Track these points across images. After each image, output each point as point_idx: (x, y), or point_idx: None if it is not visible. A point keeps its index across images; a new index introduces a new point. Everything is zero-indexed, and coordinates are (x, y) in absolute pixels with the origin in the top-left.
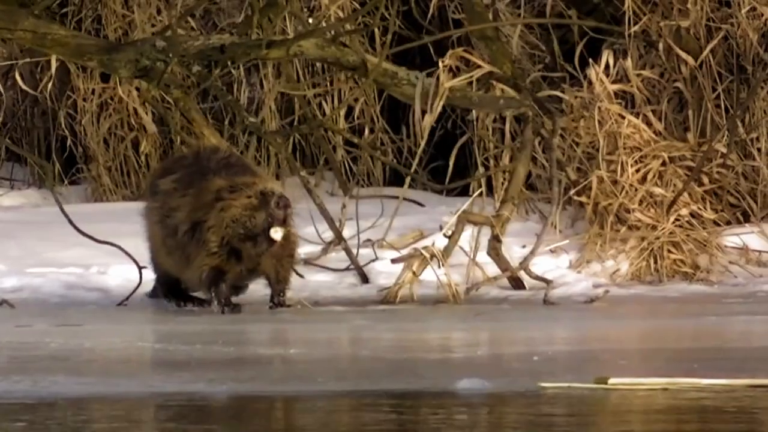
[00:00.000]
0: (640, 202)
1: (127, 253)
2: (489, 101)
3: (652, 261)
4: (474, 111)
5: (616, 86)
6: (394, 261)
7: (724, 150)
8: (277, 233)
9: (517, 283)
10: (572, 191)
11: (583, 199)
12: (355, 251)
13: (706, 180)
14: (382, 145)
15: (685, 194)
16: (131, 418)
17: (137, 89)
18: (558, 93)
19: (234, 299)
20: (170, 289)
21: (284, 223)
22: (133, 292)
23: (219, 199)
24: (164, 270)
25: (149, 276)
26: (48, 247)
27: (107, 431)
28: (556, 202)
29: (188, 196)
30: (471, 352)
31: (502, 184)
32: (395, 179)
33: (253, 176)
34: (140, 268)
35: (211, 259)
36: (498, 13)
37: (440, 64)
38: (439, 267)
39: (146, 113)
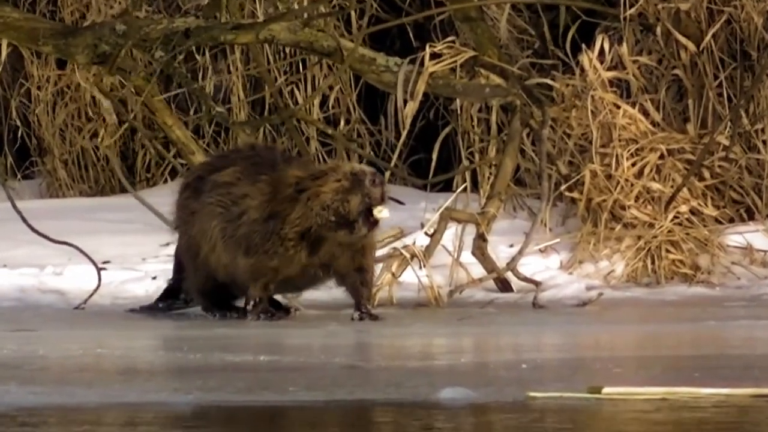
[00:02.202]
0: (637, 199)
1: (84, 254)
2: (474, 89)
3: (649, 261)
4: (458, 100)
5: (610, 73)
6: None
7: (727, 142)
8: (381, 212)
9: (504, 285)
10: (563, 186)
11: (575, 194)
12: None
13: (707, 174)
14: (358, 137)
15: (685, 190)
16: (88, 431)
17: (95, 75)
18: (548, 81)
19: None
20: (215, 299)
21: (382, 200)
22: (92, 294)
23: (302, 189)
24: (212, 273)
25: (108, 278)
26: None
27: None
28: (546, 198)
29: (261, 183)
30: (454, 359)
31: (488, 178)
32: None
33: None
34: (99, 269)
35: (281, 262)
36: None
37: (427, 48)
38: (420, 268)
39: (103, 101)
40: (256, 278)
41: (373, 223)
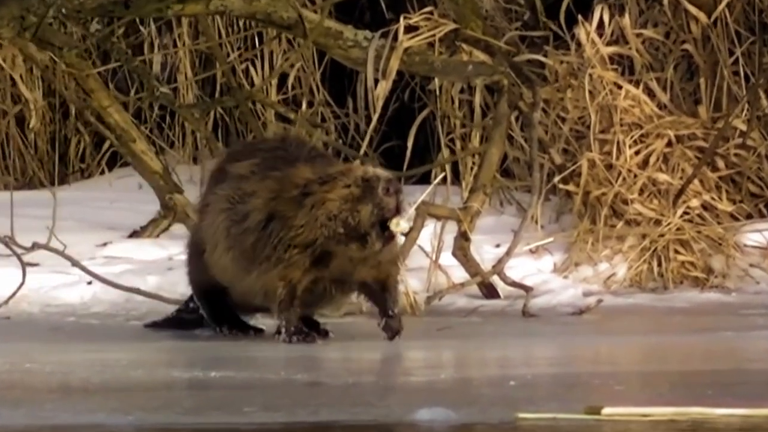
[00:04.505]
0: (641, 192)
1: (13, 251)
2: (455, 67)
3: (655, 263)
4: (436, 79)
5: (611, 49)
6: None
7: (744, 127)
8: (398, 225)
9: (489, 291)
10: (557, 178)
11: (571, 187)
12: None
13: (721, 164)
14: (323, 122)
15: (696, 182)
16: None
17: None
18: (540, 57)
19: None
20: (215, 309)
21: (398, 212)
22: (12, 295)
23: (307, 193)
24: (213, 278)
25: (37, 282)
26: None
27: None
28: (537, 191)
29: (269, 180)
30: (433, 375)
31: (471, 169)
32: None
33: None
34: (24, 268)
35: (288, 271)
36: None
37: (401, 20)
38: None
39: (32, 82)
40: (271, 297)
41: (389, 237)
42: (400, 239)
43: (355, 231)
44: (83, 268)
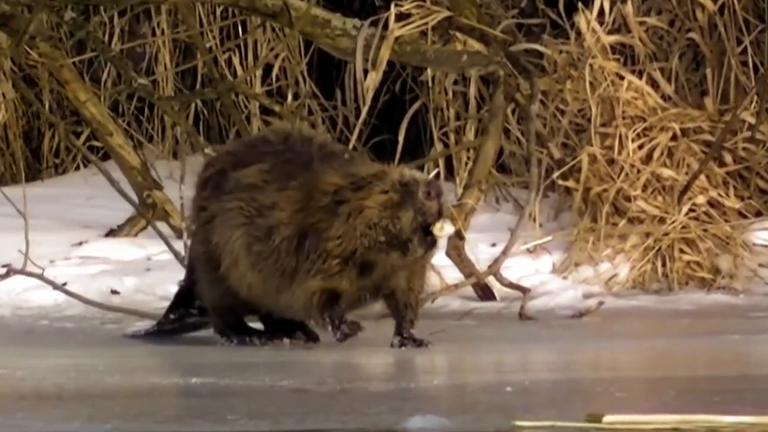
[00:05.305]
0: (644, 188)
1: None
2: (448, 57)
3: (659, 263)
4: (429, 70)
5: (612, 38)
6: None
7: (752, 120)
8: (442, 230)
9: (485, 292)
10: (556, 173)
11: (571, 183)
12: None
13: (729, 159)
14: (310, 114)
15: (702, 177)
16: None
17: None
18: (538, 46)
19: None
20: (232, 320)
21: (440, 215)
22: None
23: (340, 201)
24: (232, 289)
25: (8, 284)
26: None
27: None
28: (535, 187)
29: (290, 190)
30: (426, 381)
31: (466, 164)
32: None
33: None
34: None
35: (327, 281)
36: None
37: (392, 7)
38: None
39: (3, 73)
40: (308, 306)
41: (432, 243)
42: (442, 243)
43: (396, 238)
44: (57, 286)
